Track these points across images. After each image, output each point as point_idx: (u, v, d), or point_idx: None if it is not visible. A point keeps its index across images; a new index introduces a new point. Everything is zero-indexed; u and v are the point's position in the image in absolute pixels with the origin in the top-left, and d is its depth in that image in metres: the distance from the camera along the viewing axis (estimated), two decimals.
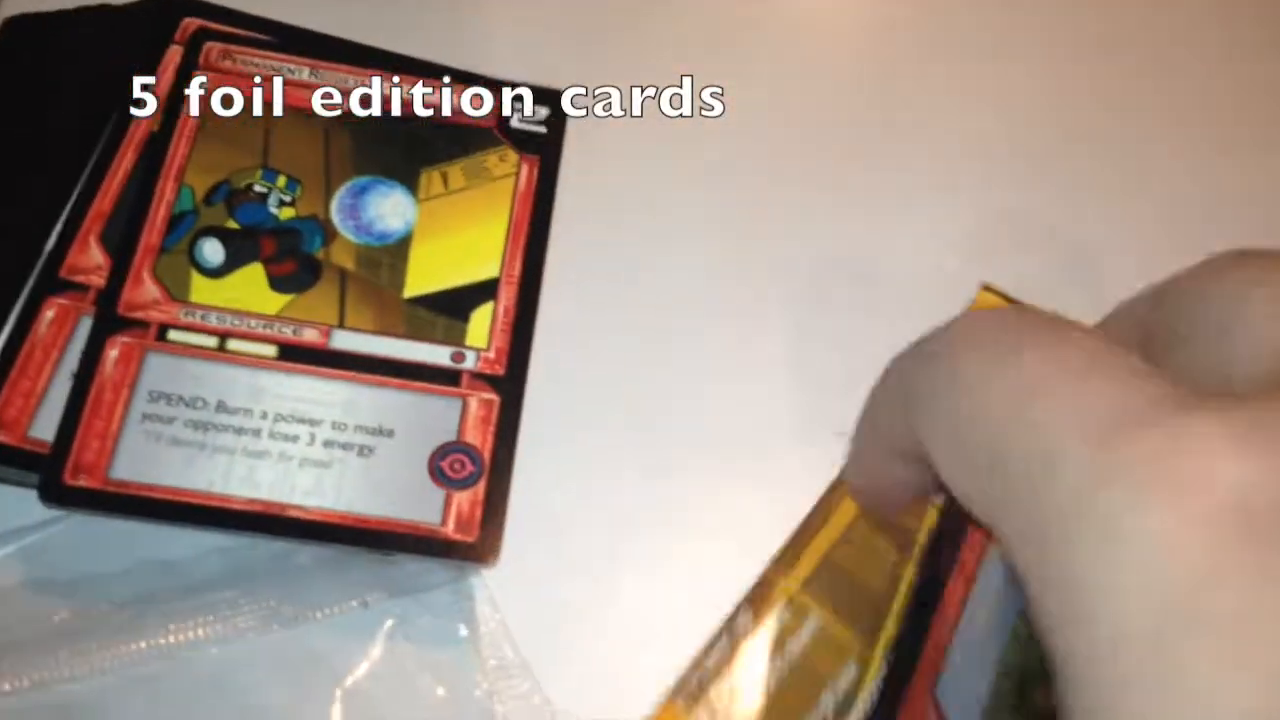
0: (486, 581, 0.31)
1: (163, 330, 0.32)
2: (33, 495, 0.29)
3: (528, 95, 0.38)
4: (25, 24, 0.37)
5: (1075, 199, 0.40)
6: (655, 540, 0.33)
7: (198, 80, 0.36)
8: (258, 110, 0.36)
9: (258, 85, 0.36)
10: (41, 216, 0.33)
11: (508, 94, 0.37)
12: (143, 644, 0.26)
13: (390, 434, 0.32)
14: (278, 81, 0.36)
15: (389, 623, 0.28)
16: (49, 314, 0.32)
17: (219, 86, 0.36)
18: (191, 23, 0.37)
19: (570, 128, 0.37)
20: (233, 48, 0.37)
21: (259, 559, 0.29)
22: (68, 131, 0.35)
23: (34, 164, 0.34)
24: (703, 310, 0.37)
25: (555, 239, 0.36)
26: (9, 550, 0.31)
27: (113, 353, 0.31)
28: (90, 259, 0.32)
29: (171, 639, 0.26)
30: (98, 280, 0.32)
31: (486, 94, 0.37)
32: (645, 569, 0.33)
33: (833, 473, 0.34)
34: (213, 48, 0.36)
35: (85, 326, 0.32)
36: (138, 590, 0.27)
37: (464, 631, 0.28)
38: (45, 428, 0.31)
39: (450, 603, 0.29)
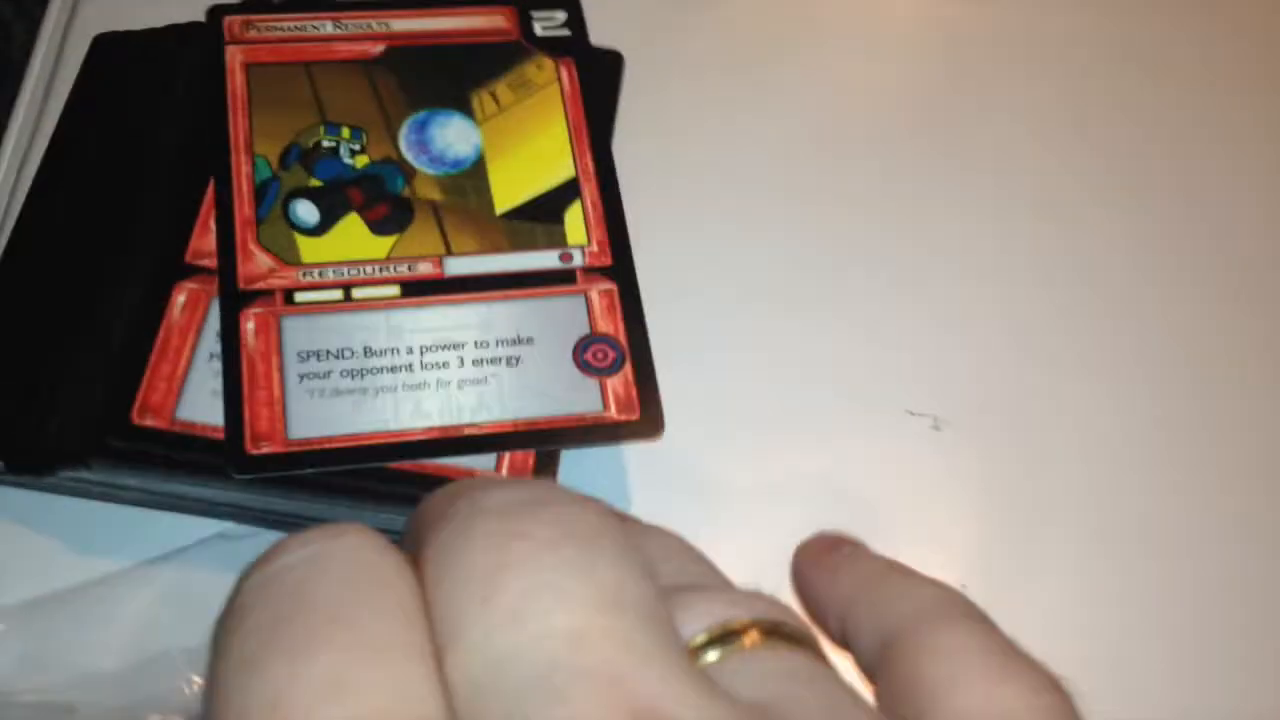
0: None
1: (288, 294, 0.33)
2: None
3: (542, 3, 0.39)
4: (113, 41, 0.38)
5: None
6: (789, 405, 0.36)
7: (230, 54, 0.36)
8: (298, 70, 0.36)
9: (289, 45, 0.36)
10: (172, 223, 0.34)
11: (523, 6, 0.38)
12: None
13: (530, 341, 0.33)
14: (310, 36, 0.37)
15: None
16: (180, 299, 0.32)
17: (253, 56, 0.36)
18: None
19: (603, 23, 0.39)
20: (252, 17, 0.37)
21: None
22: (177, 141, 0.35)
23: (149, 177, 0.35)
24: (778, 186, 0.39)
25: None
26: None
27: (249, 325, 0.32)
28: (212, 243, 0.33)
29: None
30: None
31: (504, 10, 0.38)
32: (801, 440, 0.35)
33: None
34: (233, 21, 0.37)
35: (217, 307, 0.32)
36: None
37: None
38: (191, 409, 0.32)
39: None
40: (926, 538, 0.36)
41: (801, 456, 0.37)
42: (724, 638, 0.15)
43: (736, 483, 0.36)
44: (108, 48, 0.38)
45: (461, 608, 0.14)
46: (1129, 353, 0.39)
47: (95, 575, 0.33)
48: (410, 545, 0.16)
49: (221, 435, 0.31)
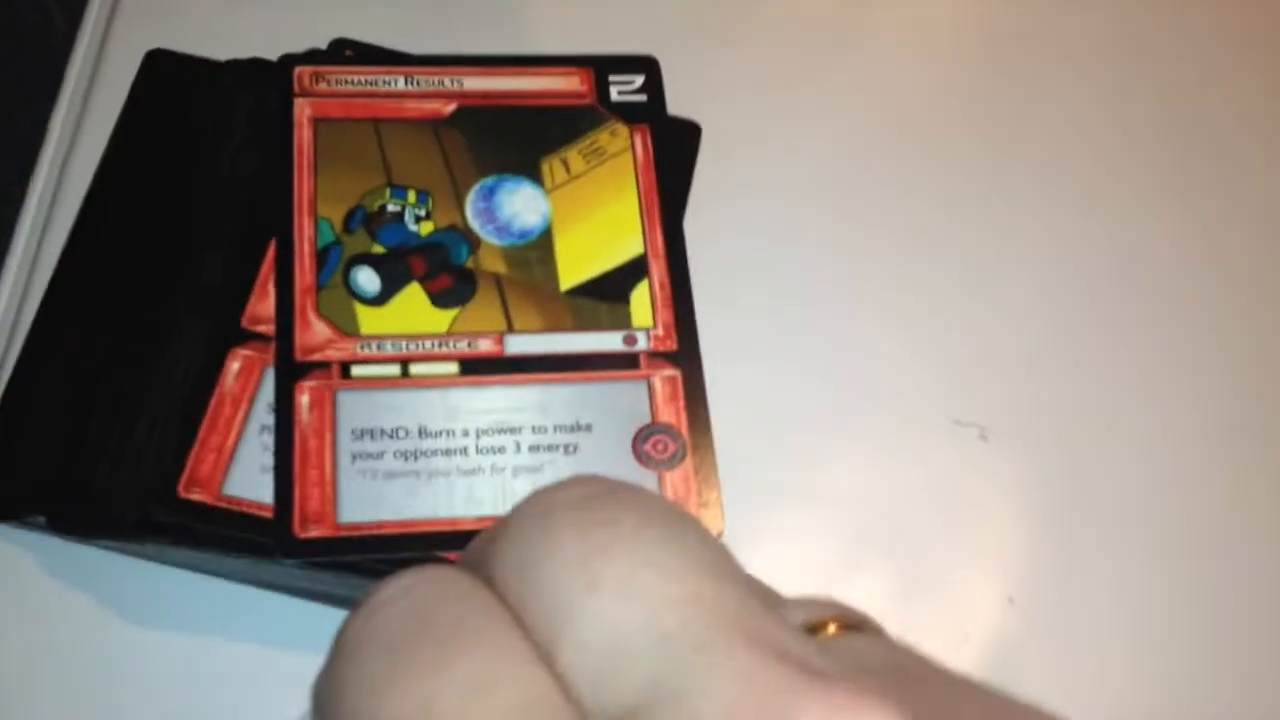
0: None
1: (345, 368, 0.32)
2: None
3: (620, 66, 0.38)
4: (168, 63, 0.36)
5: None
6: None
7: (298, 107, 0.35)
8: (367, 127, 0.35)
9: (358, 100, 0.36)
10: (230, 282, 0.33)
11: (600, 69, 0.37)
12: None
13: (589, 428, 0.32)
14: (381, 92, 0.36)
15: None
16: (234, 366, 0.32)
17: (321, 110, 0.35)
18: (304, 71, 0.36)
19: (678, 90, 0.37)
20: (322, 69, 0.36)
21: None
22: (239, 192, 0.34)
23: (208, 228, 0.34)
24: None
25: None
26: None
27: (304, 399, 0.31)
28: (270, 307, 0.32)
29: None
30: None
31: (580, 72, 0.37)
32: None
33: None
34: (303, 72, 0.36)
35: (271, 377, 0.32)
36: None
37: None
38: (239, 484, 0.31)
39: None
40: (973, 550, 0.35)
41: (847, 468, 0.36)
42: (809, 631, 0.16)
43: (782, 495, 0.36)
44: (162, 70, 0.37)
45: (563, 601, 0.14)
46: (1182, 363, 0.38)
47: (134, 638, 0.32)
48: (473, 569, 0.16)
49: (268, 514, 0.30)
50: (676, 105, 0.37)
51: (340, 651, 0.15)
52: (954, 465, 0.36)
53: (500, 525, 0.16)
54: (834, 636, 0.16)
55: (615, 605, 0.14)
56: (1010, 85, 0.42)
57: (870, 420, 0.37)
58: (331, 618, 0.32)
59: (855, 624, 0.16)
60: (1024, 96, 0.42)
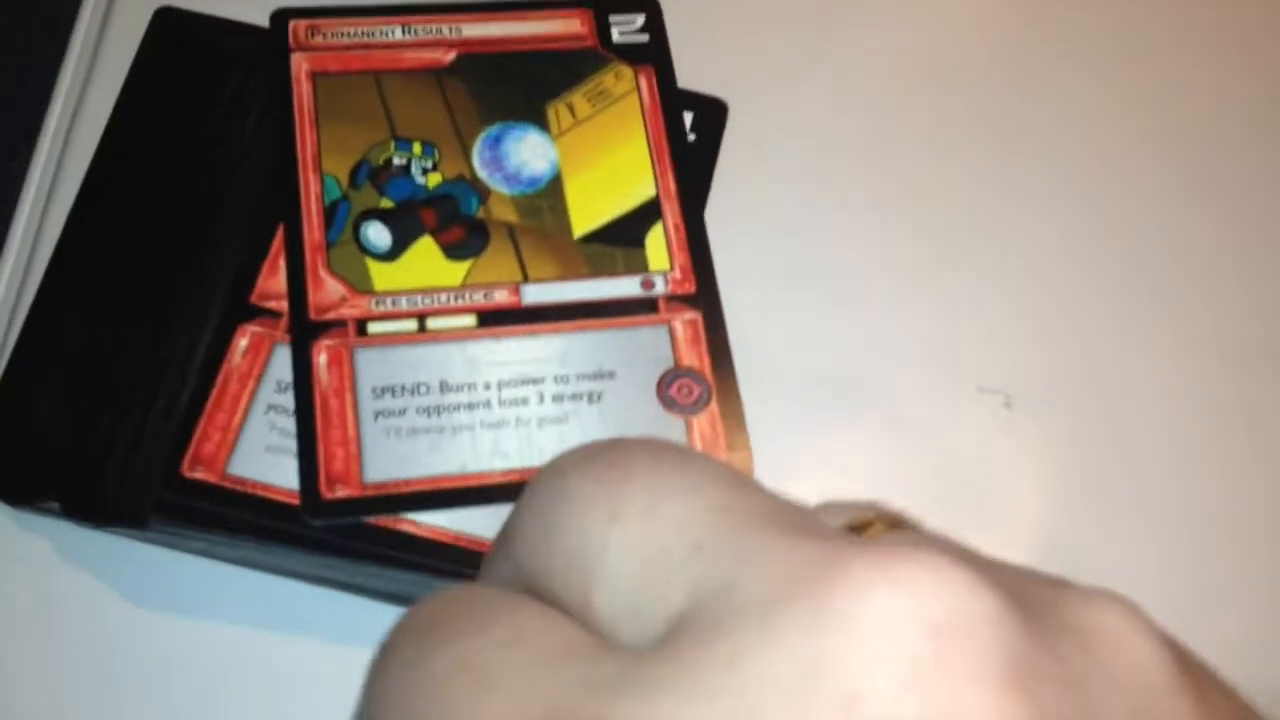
0: None
1: (361, 325, 0.31)
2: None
3: (620, 6, 0.37)
4: (178, 19, 0.35)
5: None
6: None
7: (295, 62, 0.34)
8: (367, 79, 0.34)
9: (356, 52, 0.35)
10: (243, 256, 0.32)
11: (600, 9, 0.37)
12: None
13: (612, 375, 0.32)
14: (379, 43, 0.35)
15: None
16: (242, 342, 0.31)
17: (319, 64, 0.34)
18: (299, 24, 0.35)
19: (680, 26, 0.37)
20: (317, 22, 0.35)
21: None
22: (252, 161, 0.33)
23: (221, 200, 0.33)
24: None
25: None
26: None
27: (321, 358, 0.31)
28: (281, 284, 0.31)
29: None
30: None
31: (580, 13, 0.36)
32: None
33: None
34: (298, 25, 0.35)
35: (280, 354, 0.31)
36: None
37: None
38: (244, 464, 0.30)
39: None
40: (997, 517, 0.35)
41: (868, 434, 0.36)
42: (853, 531, 0.16)
43: (806, 461, 0.35)
44: (172, 29, 0.35)
45: (591, 540, 0.14)
46: (1210, 330, 0.38)
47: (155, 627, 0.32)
48: (502, 564, 0.16)
49: (273, 495, 0.29)
50: (691, 78, 0.36)
51: (382, 657, 0.15)
52: (978, 433, 0.36)
53: (515, 507, 0.16)
54: (877, 534, 0.16)
55: (642, 530, 0.14)
56: (1042, 49, 0.41)
57: (893, 387, 0.36)
58: (347, 605, 0.31)
59: (898, 522, 0.16)
60: (1057, 61, 0.41)
